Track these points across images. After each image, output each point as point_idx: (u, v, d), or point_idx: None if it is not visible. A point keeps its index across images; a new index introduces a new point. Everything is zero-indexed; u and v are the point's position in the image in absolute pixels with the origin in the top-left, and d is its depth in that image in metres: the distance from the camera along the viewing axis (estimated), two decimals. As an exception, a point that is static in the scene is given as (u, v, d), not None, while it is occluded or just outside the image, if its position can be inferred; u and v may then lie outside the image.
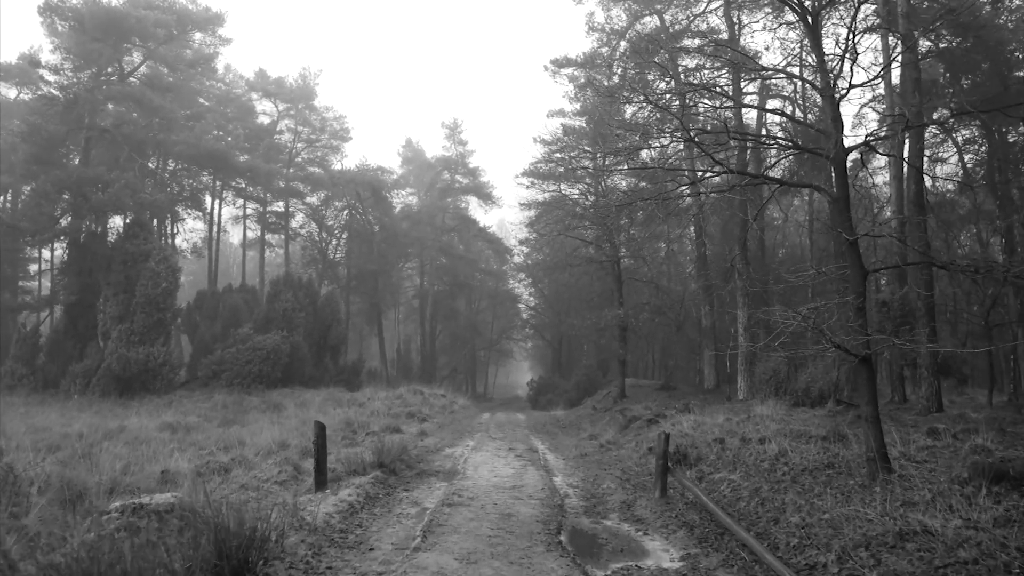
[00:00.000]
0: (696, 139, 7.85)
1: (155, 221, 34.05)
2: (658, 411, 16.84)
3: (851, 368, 6.76)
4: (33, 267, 35.77)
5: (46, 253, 35.94)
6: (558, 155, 34.57)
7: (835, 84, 8.38)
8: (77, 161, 29.38)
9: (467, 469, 10.80)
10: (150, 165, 34.72)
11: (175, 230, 39.57)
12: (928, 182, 16.31)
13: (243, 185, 40.53)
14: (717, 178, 12.55)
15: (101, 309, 26.82)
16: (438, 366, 48.33)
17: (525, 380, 54.63)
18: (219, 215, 42.40)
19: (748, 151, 20.32)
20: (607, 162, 31.00)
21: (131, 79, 30.73)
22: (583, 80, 31.80)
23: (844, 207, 8.01)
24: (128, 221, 28.71)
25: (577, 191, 30.60)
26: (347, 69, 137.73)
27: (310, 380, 29.41)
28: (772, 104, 24.32)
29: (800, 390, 16.55)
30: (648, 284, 29.44)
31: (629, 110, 21.56)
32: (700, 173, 11.45)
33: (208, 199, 40.59)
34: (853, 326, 7.03)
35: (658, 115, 14.62)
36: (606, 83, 29.30)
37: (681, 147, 20.99)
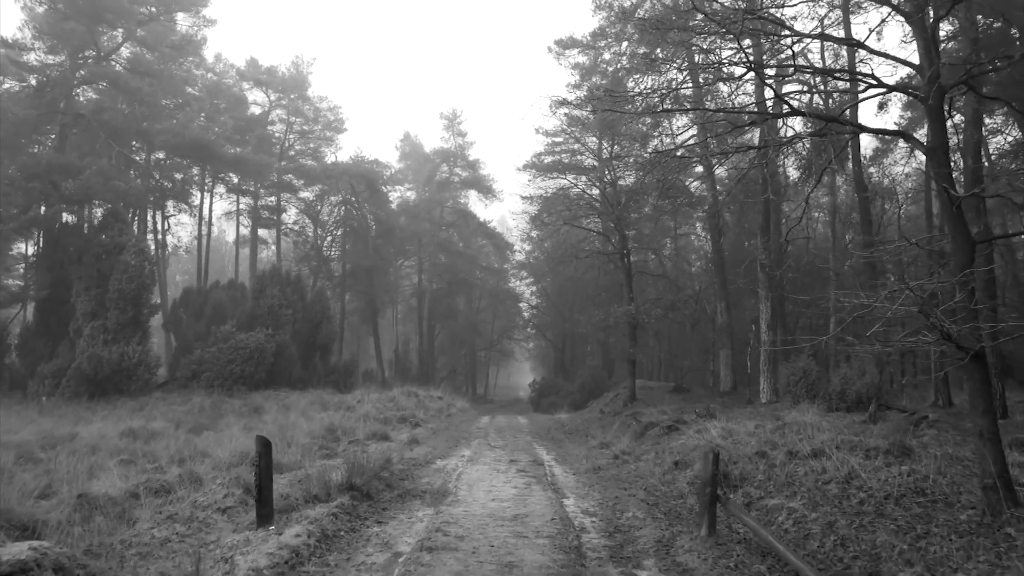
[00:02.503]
0: (758, 70, 6.04)
1: (136, 214, 32.24)
2: (676, 416, 15.03)
3: (962, 367, 5.08)
4: (21, 265, 33.92)
5: (31, 249, 34.12)
6: (562, 146, 32.85)
7: (927, 5, 6.57)
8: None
9: (459, 489, 8.99)
10: (137, 159, 32.97)
11: (165, 225, 37.90)
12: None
13: (234, 179, 38.80)
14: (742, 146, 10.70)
15: (74, 304, 25.03)
16: (436, 367, 46.45)
17: (527, 381, 52.73)
18: (210, 210, 40.82)
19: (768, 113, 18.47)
20: (615, 150, 29.24)
21: (111, 62, 28.94)
22: (588, 65, 30.10)
23: (944, 158, 6.21)
24: (104, 212, 26.93)
25: (584, 180, 28.73)
26: (342, 58, 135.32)
27: (298, 381, 27.56)
28: (789, 88, 22.45)
29: (835, 393, 14.79)
30: (660, 278, 27.60)
31: (638, 99, 19.69)
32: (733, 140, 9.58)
33: (196, 193, 38.96)
34: (983, 306, 5.21)
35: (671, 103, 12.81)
36: (611, 69, 27.57)
37: (694, 132, 19.18)
